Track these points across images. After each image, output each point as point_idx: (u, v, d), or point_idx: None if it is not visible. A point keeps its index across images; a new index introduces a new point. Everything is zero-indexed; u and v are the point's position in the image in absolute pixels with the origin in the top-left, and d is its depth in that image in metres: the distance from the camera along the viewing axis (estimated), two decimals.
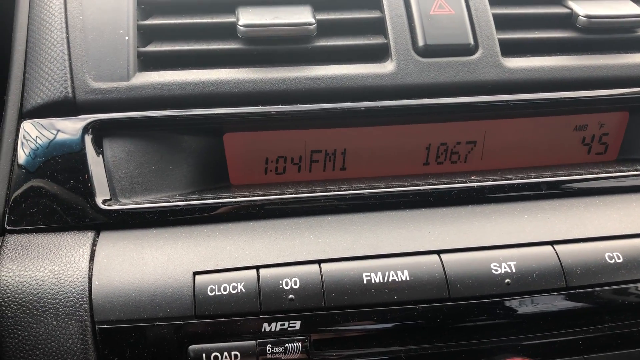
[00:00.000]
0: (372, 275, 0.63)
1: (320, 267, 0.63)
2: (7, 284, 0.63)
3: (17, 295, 0.62)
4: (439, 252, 0.65)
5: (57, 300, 0.62)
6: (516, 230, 0.68)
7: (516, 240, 0.67)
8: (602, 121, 0.84)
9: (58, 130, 0.71)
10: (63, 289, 0.62)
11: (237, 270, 0.63)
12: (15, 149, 0.71)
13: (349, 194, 0.71)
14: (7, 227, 0.69)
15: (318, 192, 0.72)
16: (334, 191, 0.72)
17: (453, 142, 0.81)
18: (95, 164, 0.70)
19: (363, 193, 0.72)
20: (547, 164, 0.84)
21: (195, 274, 0.63)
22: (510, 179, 0.74)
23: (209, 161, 0.78)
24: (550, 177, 0.75)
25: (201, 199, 0.71)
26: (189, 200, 0.70)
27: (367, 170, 0.82)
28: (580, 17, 0.80)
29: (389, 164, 0.82)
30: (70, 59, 0.72)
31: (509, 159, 0.83)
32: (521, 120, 0.81)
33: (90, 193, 0.69)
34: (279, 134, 0.79)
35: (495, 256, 0.65)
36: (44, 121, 0.71)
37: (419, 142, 0.81)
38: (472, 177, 0.75)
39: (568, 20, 0.81)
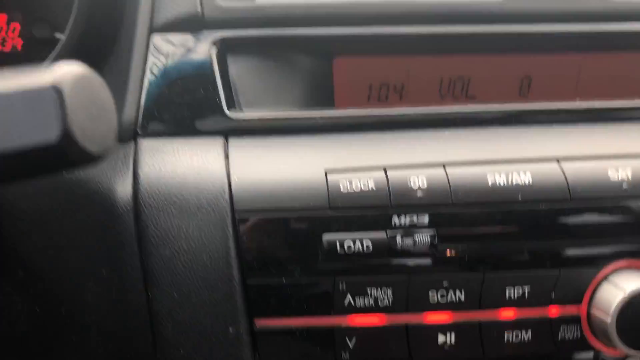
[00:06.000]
0: (496, 176, 0.66)
1: (445, 169, 0.66)
2: (149, 177, 0.67)
3: (159, 187, 0.66)
4: (558, 159, 0.68)
5: (199, 191, 0.66)
6: (630, 144, 0.70)
7: (630, 151, 0.69)
8: None
9: (186, 44, 0.74)
10: (203, 180, 0.66)
11: (366, 170, 0.66)
12: (145, 61, 0.75)
13: (471, 111, 0.75)
14: (139, 132, 0.73)
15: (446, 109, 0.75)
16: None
17: (551, 75, 0.84)
18: (221, 76, 0.74)
19: (488, 109, 0.75)
20: None
21: (327, 172, 0.66)
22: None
23: (316, 85, 0.81)
24: None
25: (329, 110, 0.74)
26: (316, 110, 0.73)
27: (467, 99, 0.85)
28: None
29: (486, 94, 0.84)
30: None
31: (607, 95, 0.85)
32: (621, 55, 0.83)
33: (217, 101, 0.73)
34: (384, 61, 0.82)
35: (612, 164, 0.68)
36: (173, 35, 0.75)
37: (518, 73, 0.83)
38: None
39: None
